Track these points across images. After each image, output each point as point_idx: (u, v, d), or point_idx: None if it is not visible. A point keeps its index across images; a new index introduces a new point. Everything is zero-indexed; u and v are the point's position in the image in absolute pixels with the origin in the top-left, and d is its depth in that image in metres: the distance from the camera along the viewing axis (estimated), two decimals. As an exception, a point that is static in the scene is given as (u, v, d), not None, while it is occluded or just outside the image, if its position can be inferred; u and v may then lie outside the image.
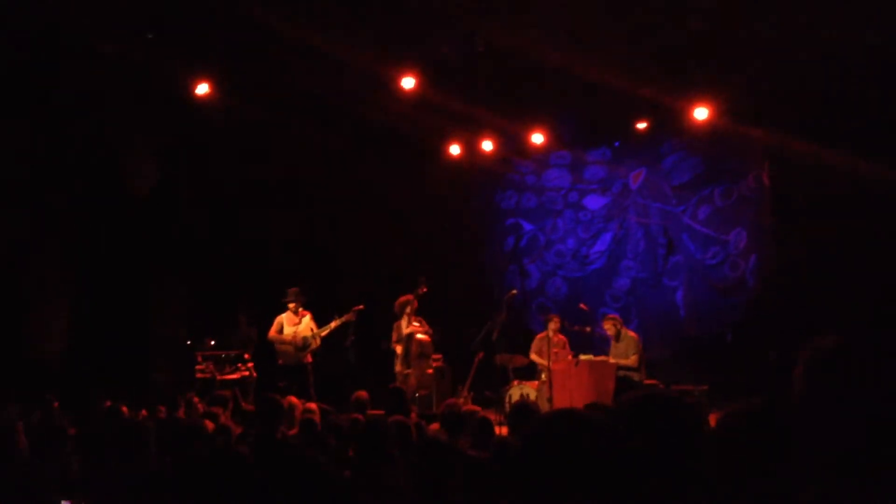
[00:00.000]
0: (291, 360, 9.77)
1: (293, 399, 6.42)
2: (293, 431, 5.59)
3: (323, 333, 9.76)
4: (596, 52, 9.14)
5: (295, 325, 9.81)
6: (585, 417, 1.50)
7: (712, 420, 2.16)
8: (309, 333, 9.75)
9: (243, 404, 8.28)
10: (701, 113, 10.76)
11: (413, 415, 6.85)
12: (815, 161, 9.71)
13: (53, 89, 9.70)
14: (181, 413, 6.86)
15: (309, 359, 9.77)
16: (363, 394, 6.88)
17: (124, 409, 6.27)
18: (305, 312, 9.89)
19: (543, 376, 9.79)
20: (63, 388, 8.02)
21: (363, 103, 11.03)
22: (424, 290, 9.95)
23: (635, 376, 9.46)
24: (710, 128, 11.00)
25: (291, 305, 9.85)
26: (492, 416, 6.85)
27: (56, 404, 7.21)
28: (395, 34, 9.42)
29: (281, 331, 9.85)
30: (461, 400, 9.21)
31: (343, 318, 9.64)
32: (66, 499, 3.77)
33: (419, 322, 10.00)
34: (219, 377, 10.32)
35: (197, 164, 11.46)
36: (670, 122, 11.42)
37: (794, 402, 1.72)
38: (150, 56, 9.57)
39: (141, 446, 4.24)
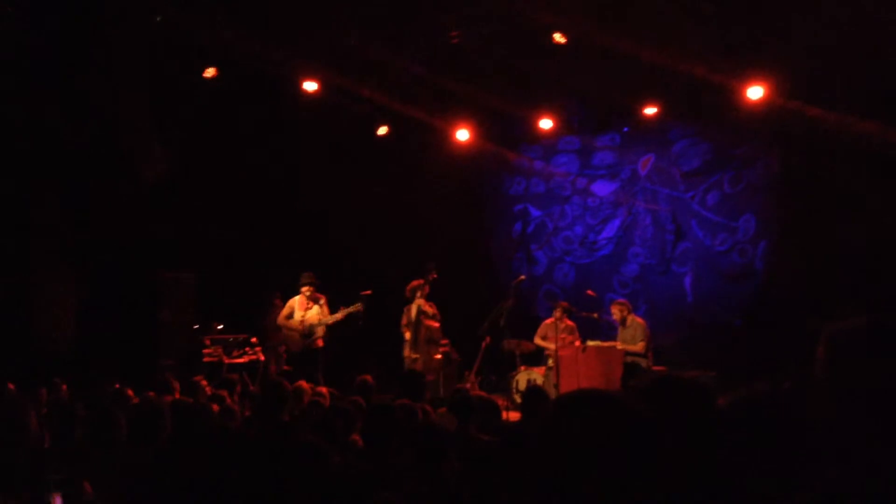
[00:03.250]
0: (297, 347, 9.71)
1: (303, 383, 6.42)
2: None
3: (329, 322, 9.71)
4: (607, 34, 9.08)
5: (307, 309, 9.75)
6: (611, 397, 1.47)
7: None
8: (316, 321, 9.69)
9: (251, 388, 8.31)
10: (711, 98, 10.69)
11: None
12: (826, 145, 9.66)
13: (61, 77, 9.68)
14: (187, 396, 6.86)
15: (320, 344, 9.71)
16: (368, 377, 6.88)
17: (130, 392, 6.28)
18: (320, 296, 9.83)
19: (550, 362, 9.78)
20: (72, 373, 8.03)
21: (371, 89, 11.00)
22: (435, 275, 9.91)
23: (643, 362, 9.45)
24: (720, 113, 10.94)
25: (305, 290, 9.77)
26: (499, 402, 6.86)
27: (64, 387, 7.23)
28: (401, 16, 9.37)
29: (291, 316, 9.79)
30: (468, 385, 9.23)
31: (351, 308, 9.58)
32: (74, 479, 3.77)
33: (430, 307, 9.97)
34: (226, 361, 10.34)
35: (206, 151, 11.44)
36: (680, 108, 11.35)
37: (815, 384, 1.69)
38: (160, 40, 9.56)
39: (150, 427, 4.24)
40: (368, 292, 9.63)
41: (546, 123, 12.06)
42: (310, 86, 10.95)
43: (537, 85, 11.04)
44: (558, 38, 9.60)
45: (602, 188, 12.80)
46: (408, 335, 9.94)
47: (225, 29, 9.38)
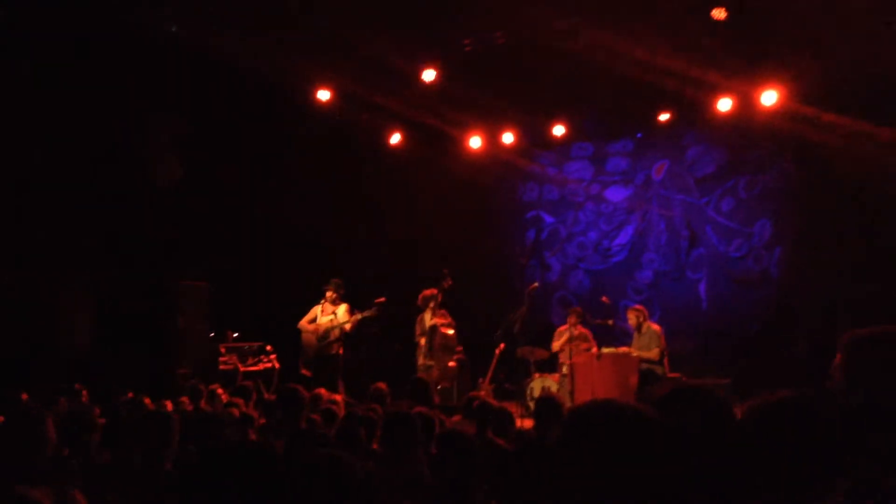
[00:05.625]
0: (312, 351, 9.81)
1: (322, 391, 6.45)
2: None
3: (346, 327, 9.75)
4: (619, 41, 9.07)
5: (327, 315, 9.85)
6: (626, 408, 1.48)
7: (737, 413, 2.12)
8: (329, 325, 9.75)
9: (266, 395, 8.33)
10: (725, 104, 10.67)
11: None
12: (840, 151, 9.62)
13: (76, 85, 9.75)
14: (204, 404, 6.90)
15: (339, 350, 9.78)
16: (382, 385, 6.89)
17: (147, 400, 6.32)
18: (342, 303, 9.91)
19: (565, 369, 9.75)
20: (89, 381, 8.07)
21: (383, 95, 11.03)
22: (449, 283, 9.92)
23: (658, 369, 9.41)
24: (734, 119, 10.91)
25: (329, 294, 9.87)
26: (513, 409, 6.85)
27: (85, 393, 7.27)
28: (416, 24, 9.40)
29: (314, 321, 9.89)
30: (482, 392, 9.21)
31: (365, 313, 9.64)
32: (92, 488, 3.79)
33: (443, 315, 9.98)
34: (242, 369, 10.38)
35: (221, 157, 11.52)
36: (693, 114, 11.32)
37: (832, 392, 1.69)
38: (174, 47, 9.63)
39: (165, 436, 4.25)
40: (382, 300, 9.67)
41: (559, 130, 12.07)
42: (323, 94, 11.00)
43: (550, 91, 11.03)
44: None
45: (616, 194, 12.78)
46: (423, 342, 9.96)
47: (239, 37, 9.43)
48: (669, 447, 1.54)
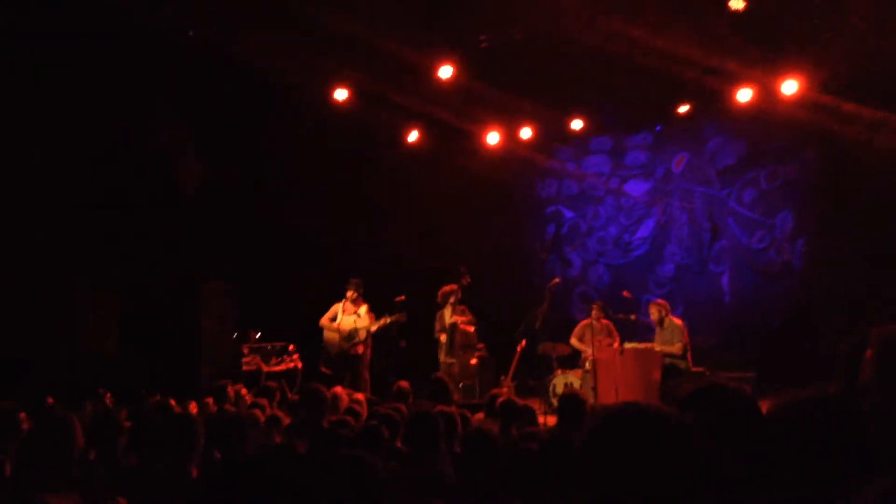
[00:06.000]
0: (335, 350, 9.83)
1: (338, 389, 6.46)
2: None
3: (373, 329, 9.77)
4: (637, 32, 9.02)
5: (349, 315, 9.87)
6: (655, 412, 1.46)
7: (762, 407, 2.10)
8: (354, 326, 9.76)
9: (289, 395, 8.37)
10: (745, 94, 10.58)
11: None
12: (861, 141, 9.51)
13: (76, 85, 9.79)
14: (229, 405, 6.93)
15: (360, 350, 9.79)
16: (405, 384, 6.90)
17: (172, 402, 6.36)
18: (363, 304, 9.93)
19: (588, 365, 9.71)
20: (112, 384, 8.14)
21: (401, 94, 11.03)
22: (468, 280, 9.92)
23: (681, 364, 9.34)
24: (754, 110, 10.81)
25: (350, 294, 9.88)
26: (536, 406, 6.83)
27: (109, 396, 7.33)
28: (432, 21, 9.40)
29: (335, 320, 9.92)
30: (504, 389, 9.20)
31: (394, 317, 9.65)
32: (119, 491, 3.82)
33: (463, 312, 9.98)
34: (265, 369, 10.43)
35: (243, 159, 11.58)
36: (713, 105, 11.23)
37: (863, 388, 1.66)
38: (194, 52, 9.68)
39: (190, 439, 4.27)
40: (402, 298, 9.68)
41: (577, 124, 12.01)
42: (341, 94, 11.01)
43: (568, 86, 10.98)
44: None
45: (635, 188, 12.71)
46: (443, 339, 9.96)
47: (256, 39, 9.46)
48: (694, 447, 1.52)
